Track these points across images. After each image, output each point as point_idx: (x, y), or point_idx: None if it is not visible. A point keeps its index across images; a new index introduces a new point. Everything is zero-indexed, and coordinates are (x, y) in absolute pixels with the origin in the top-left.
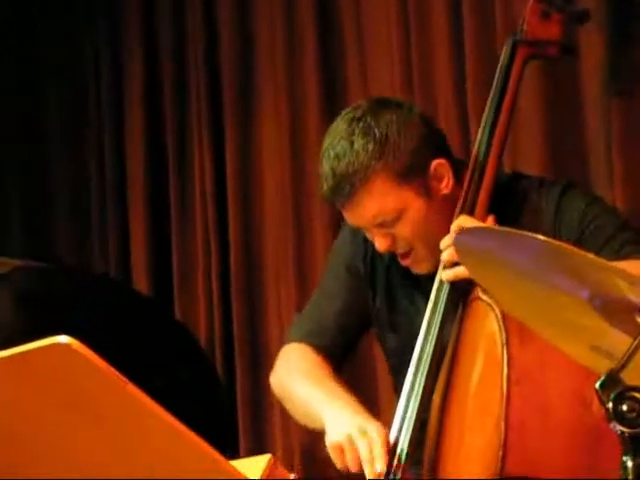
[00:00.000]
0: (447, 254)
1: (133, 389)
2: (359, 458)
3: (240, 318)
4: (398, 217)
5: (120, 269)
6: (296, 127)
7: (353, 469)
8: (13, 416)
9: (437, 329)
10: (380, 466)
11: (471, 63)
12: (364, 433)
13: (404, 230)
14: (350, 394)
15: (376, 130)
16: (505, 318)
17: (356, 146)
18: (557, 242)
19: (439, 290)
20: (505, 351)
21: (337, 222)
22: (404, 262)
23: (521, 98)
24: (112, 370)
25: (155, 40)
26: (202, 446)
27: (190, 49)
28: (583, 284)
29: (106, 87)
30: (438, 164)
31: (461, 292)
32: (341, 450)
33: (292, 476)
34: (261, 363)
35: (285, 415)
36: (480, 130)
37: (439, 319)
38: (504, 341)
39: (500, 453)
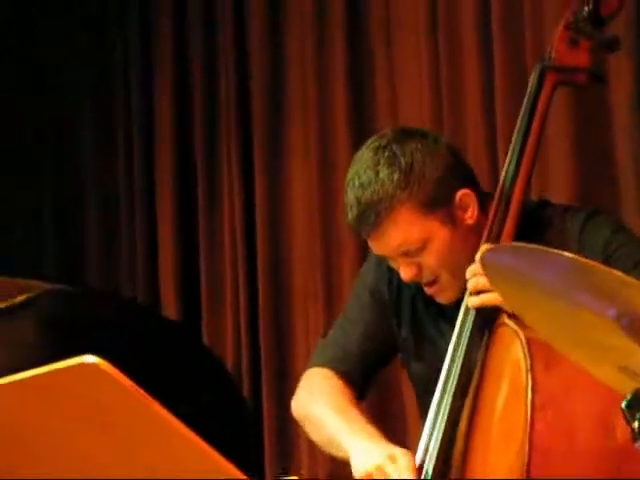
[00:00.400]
0: (473, 282)
1: (160, 409)
2: None
3: (267, 342)
4: (423, 247)
5: (148, 293)
6: (325, 149)
7: None
8: (40, 435)
9: (463, 355)
10: None
11: (500, 89)
12: (394, 460)
13: (429, 259)
14: (372, 423)
15: (401, 159)
16: (530, 344)
17: (381, 175)
18: (583, 259)
19: (465, 316)
20: (529, 377)
21: (365, 246)
22: (429, 291)
23: (550, 125)
24: (139, 390)
25: (185, 50)
26: (230, 469)
27: (221, 60)
28: (610, 302)
29: (136, 95)
30: (463, 194)
31: (487, 318)
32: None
33: None
34: (288, 387)
35: (312, 440)
36: (507, 158)
37: (465, 345)
38: (529, 367)
39: (524, 477)
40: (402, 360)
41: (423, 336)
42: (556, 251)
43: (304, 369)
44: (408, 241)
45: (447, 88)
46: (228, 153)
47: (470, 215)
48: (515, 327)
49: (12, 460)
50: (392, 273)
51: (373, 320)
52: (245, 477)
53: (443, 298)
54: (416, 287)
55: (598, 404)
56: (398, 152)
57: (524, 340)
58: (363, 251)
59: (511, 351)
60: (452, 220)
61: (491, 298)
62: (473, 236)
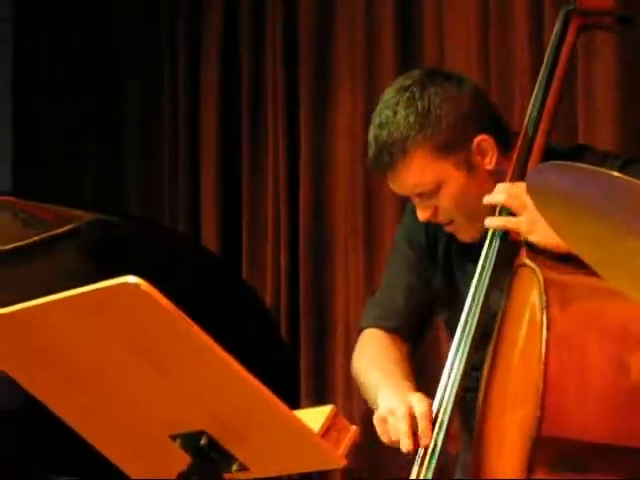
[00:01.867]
0: (503, 198)
1: (199, 331)
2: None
3: (307, 282)
4: (437, 190)
5: (189, 229)
6: (370, 99)
7: (394, 438)
8: (78, 353)
9: (483, 296)
10: (426, 440)
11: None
12: (406, 404)
13: (443, 202)
14: (408, 378)
15: (419, 102)
16: (547, 283)
17: (398, 116)
18: (631, 179)
19: (486, 258)
20: (545, 315)
21: None
22: (447, 229)
23: (598, 76)
24: (179, 312)
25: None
26: (266, 393)
27: (268, 5)
28: None
29: (181, 42)
30: (482, 140)
31: (508, 259)
32: (384, 422)
33: (353, 427)
34: (326, 329)
35: (348, 381)
36: (531, 103)
37: (485, 285)
38: (544, 305)
39: (538, 414)
40: (438, 308)
41: (454, 281)
42: (604, 170)
43: (342, 310)
44: (422, 183)
45: (495, 42)
46: (274, 94)
47: (489, 161)
48: (534, 266)
49: (51, 378)
50: (428, 224)
51: (414, 272)
52: (284, 404)
53: (462, 237)
54: (449, 234)
55: (613, 344)
56: (417, 94)
57: (542, 279)
58: (403, 197)
59: (530, 291)
60: (469, 165)
61: (517, 223)
62: (492, 181)
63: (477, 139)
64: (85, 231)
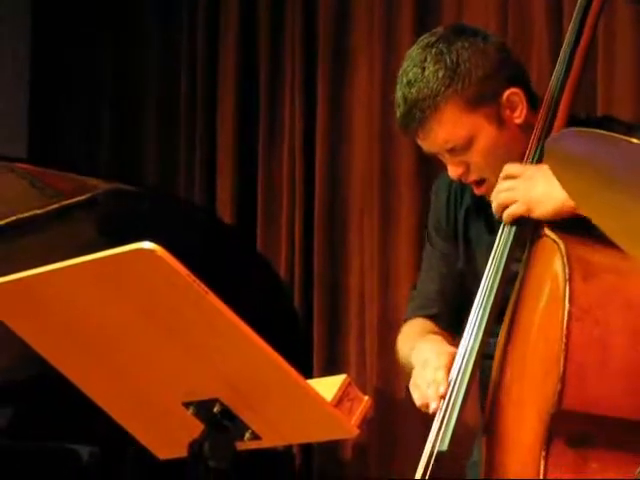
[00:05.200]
0: (496, 199)
1: (214, 298)
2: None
3: (321, 254)
4: (469, 144)
5: (205, 201)
6: (389, 65)
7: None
8: (93, 320)
9: (503, 266)
10: (442, 388)
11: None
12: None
13: (475, 158)
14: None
15: (447, 57)
16: (570, 255)
17: (427, 73)
18: None
19: (505, 228)
20: (567, 287)
21: (423, 161)
22: (478, 191)
23: (618, 44)
24: (194, 278)
25: None
26: (279, 361)
27: None
28: None
29: (201, 11)
30: (511, 93)
31: (527, 230)
32: (417, 387)
33: (366, 398)
34: (340, 301)
35: (361, 353)
36: (557, 66)
37: (505, 256)
38: (567, 277)
39: (558, 387)
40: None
41: (473, 259)
42: (624, 137)
43: (357, 283)
44: (454, 138)
45: (514, 16)
46: (292, 66)
47: (518, 115)
48: (555, 238)
49: (67, 345)
50: (449, 201)
51: (445, 259)
52: (298, 373)
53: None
54: (467, 210)
55: (635, 318)
56: (445, 50)
57: (564, 250)
58: (420, 167)
59: (551, 262)
60: (499, 119)
61: (516, 209)
62: (522, 136)
63: (507, 92)
64: (102, 201)
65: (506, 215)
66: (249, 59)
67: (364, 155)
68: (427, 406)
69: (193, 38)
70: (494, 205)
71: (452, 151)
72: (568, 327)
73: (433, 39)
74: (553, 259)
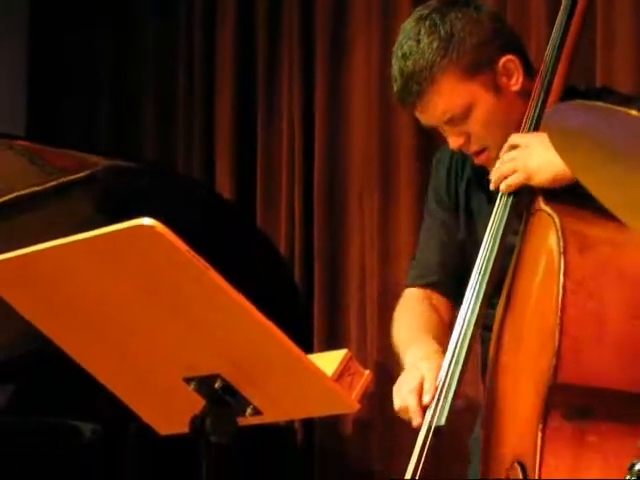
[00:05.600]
0: (496, 170)
1: (214, 274)
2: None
3: (321, 229)
4: (467, 113)
5: (204, 173)
6: (387, 41)
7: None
8: (94, 297)
9: (499, 238)
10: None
11: None
12: (418, 370)
13: (475, 127)
14: (435, 341)
15: (441, 28)
16: (565, 228)
17: (422, 45)
18: None
19: (500, 202)
20: (562, 260)
21: (423, 136)
22: (478, 160)
23: (616, 15)
24: (194, 254)
25: None
26: (280, 336)
27: None
28: None
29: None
30: (507, 60)
31: (525, 201)
32: (399, 391)
33: (367, 372)
34: (340, 275)
35: (361, 328)
36: (553, 33)
37: (502, 227)
38: (562, 250)
39: (554, 361)
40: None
41: (473, 231)
42: (623, 109)
43: (357, 258)
44: (452, 107)
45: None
46: (290, 43)
47: (515, 82)
48: (550, 211)
49: (67, 322)
50: (449, 174)
51: (445, 228)
52: (298, 348)
53: (493, 166)
54: (468, 181)
55: (630, 291)
56: (438, 21)
57: (559, 224)
58: (420, 145)
59: (546, 236)
60: (496, 86)
61: (515, 179)
62: (520, 104)
63: (502, 60)
64: (101, 177)
65: (505, 185)
66: (247, 44)
67: (363, 133)
68: (402, 410)
69: (191, 12)
70: (494, 176)
71: (451, 122)
72: (563, 300)
73: (426, 11)
74: (548, 233)
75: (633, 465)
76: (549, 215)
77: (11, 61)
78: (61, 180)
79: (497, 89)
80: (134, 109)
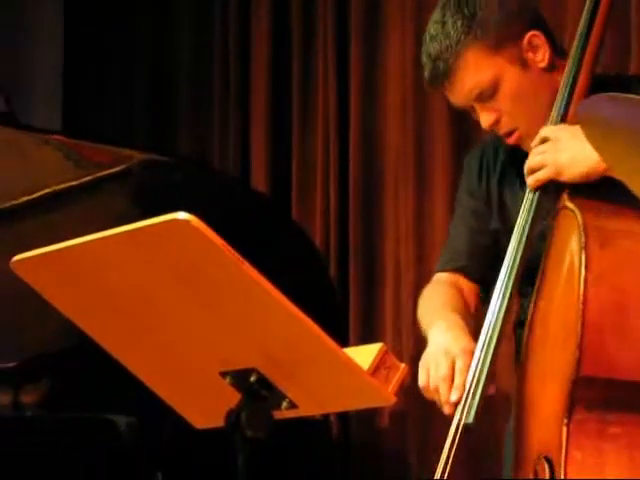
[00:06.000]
0: (527, 162)
1: (249, 268)
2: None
3: (356, 223)
4: (495, 88)
5: (239, 169)
6: (421, 28)
7: (432, 385)
8: (129, 291)
9: (525, 235)
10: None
11: None
12: (447, 353)
13: (504, 102)
14: (460, 317)
15: (465, 8)
16: (587, 223)
17: (447, 26)
18: None
19: (528, 197)
20: (583, 255)
21: (457, 128)
22: (509, 140)
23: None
24: (230, 248)
25: None
26: (315, 330)
27: None
28: None
29: None
30: (532, 35)
31: (551, 196)
32: (427, 369)
33: (403, 365)
34: (375, 269)
35: (397, 322)
36: (583, 16)
37: (529, 222)
38: (582, 245)
39: (577, 354)
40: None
41: (508, 216)
42: None
43: (392, 251)
44: (479, 83)
45: None
46: (324, 37)
47: (541, 58)
48: (573, 207)
49: (104, 317)
50: (481, 166)
51: (475, 216)
52: (334, 341)
53: (527, 146)
54: (502, 171)
55: None
56: (462, 2)
57: (581, 220)
58: (455, 134)
59: (569, 233)
60: (522, 61)
61: (543, 174)
62: (548, 80)
63: (528, 35)
64: (136, 172)
65: (533, 180)
66: (282, 35)
67: (398, 126)
68: (427, 390)
69: (226, 11)
70: (526, 168)
71: (480, 99)
72: (585, 294)
73: None
74: (571, 230)
75: None
76: (572, 211)
77: (48, 57)
78: (97, 175)
79: (523, 64)
80: (170, 105)
